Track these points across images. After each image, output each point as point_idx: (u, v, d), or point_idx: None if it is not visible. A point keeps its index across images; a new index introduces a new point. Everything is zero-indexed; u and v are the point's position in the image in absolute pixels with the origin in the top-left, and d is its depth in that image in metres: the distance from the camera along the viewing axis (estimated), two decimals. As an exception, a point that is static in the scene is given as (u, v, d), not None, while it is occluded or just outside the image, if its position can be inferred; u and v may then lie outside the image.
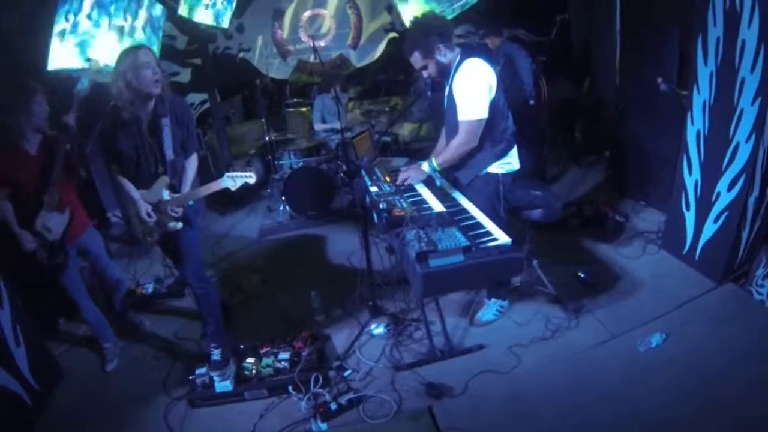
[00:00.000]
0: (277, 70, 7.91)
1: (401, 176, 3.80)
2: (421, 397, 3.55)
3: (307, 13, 7.72)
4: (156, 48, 5.95)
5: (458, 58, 3.53)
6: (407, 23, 6.92)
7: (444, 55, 3.50)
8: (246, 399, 3.72)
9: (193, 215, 3.87)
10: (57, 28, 5.09)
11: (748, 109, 3.81)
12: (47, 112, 3.80)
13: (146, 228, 3.78)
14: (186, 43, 7.39)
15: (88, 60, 5.18)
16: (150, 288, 5.24)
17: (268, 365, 3.80)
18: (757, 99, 3.71)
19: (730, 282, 4.22)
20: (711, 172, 4.24)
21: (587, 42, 7.97)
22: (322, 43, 7.81)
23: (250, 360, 3.84)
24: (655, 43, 5.51)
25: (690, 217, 4.54)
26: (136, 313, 4.83)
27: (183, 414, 3.71)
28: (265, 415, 3.57)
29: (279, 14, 7.69)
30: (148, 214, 3.67)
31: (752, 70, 3.71)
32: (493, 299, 4.23)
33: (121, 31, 5.51)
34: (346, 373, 3.82)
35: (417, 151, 5.79)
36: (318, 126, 7.32)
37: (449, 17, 7.10)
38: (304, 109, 8.20)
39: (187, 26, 7.01)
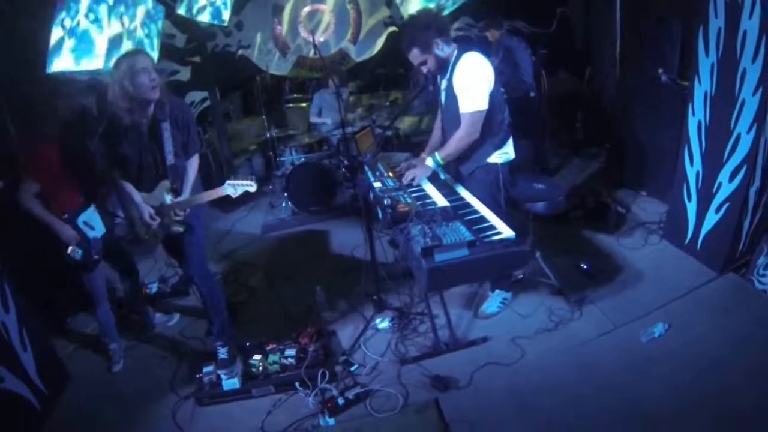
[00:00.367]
0: (277, 66, 7.88)
1: (407, 175, 3.81)
2: (427, 390, 3.57)
3: (307, 9, 7.69)
4: (155, 47, 5.96)
5: (455, 53, 3.58)
6: (406, 17, 6.95)
7: (442, 50, 3.55)
8: (253, 396, 3.73)
9: (197, 215, 3.90)
10: (56, 31, 5.08)
11: (749, 99, 3.82)
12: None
13: (149, 230, 3.81)
14: (185, 42, 7.37)
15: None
16: (154, 288, 5.26)
17: (274, 362, 3.81)
18: (759, 90, 3.72)
19: (731, 272, 4.24)
20: (712, 162, 4.25)
21: (587, 34, 7.96)
22: (321, 39, 7.79)
23: (257, 357, 3.86)
24: (655, 34, 5.52)
25: (691, 208, 4.56)
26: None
27: (191, 412, 3.72)
28: (273, 412, 3.58)
29: (278, 10, 7.67)
30: (152, 217, 3.69)
31: (753, 60, 3.72)
32: (496, 291, 4.26)
33: (120, 31, 5.51)
34: (352, 368, 3.84)
35: (417, 145, 5.79)
36: (313, 119, 7.33)
37: (450, 10, 7.14)
38: (304, 104, 8.20)
39: (185, 24, 7.01)
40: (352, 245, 5.64)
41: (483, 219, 3.22)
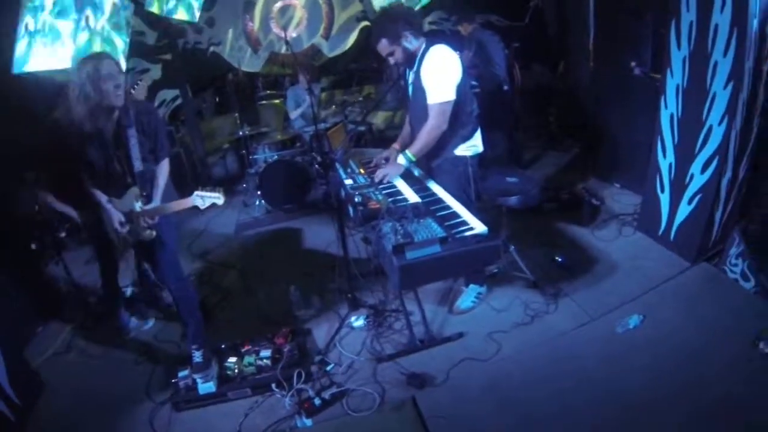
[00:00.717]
0: (249, 62, 7.82)
1: (379, 174, 3.77)
2: (403, 387, 3.56)
3: (278, 4, 7.63)
4: (124, 44, 5.87)
5: (423, 46, 3.61)
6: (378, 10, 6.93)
7: (410, 42, 3.58)
8: (230, 399, 3.70)
9: (167, 219, 3.84)
10: (23, 29, 5.00)
11: (720, 92, 3.85)
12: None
13: (119, 236, 3.75)
14: (155, 39, 7.28)
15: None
16: (128, 291, 5.16)
17: (250, 364, 3.77)
18: (730, 83, 3.76)
19: (704, 262, 4.29)
20: (685, 154, 4.29)
21: (561, 27, 7.98)
22: (293, 34, 7.73)
23: (232, 359, 3.81)
24: (628, 27, 5.54)
25: (665, 199, 4.59)
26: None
27: (168, 418, 3.67)
28: (250, 414, 3.55)
29: (250, 6, 7.60)
30: (121, 223, 3.64)
31: (725, 54, 3.76)
32: (471, 286, 4.25)
33: (86, 28, 5.42)
34: (328, 368, 3.82)
35: (391, 139, 5.77)
36: (293, 114, 7.27)
37: (423, 3, 7.13)
38: (277, 101, 8.14)
39: (155, 22, 6.92)
40: (326, 242, 5.61)
41: (455, 215, 3.20)
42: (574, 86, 7.45)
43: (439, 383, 3.56)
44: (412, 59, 3.66)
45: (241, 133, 6.85)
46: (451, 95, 3.55)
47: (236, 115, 7.07)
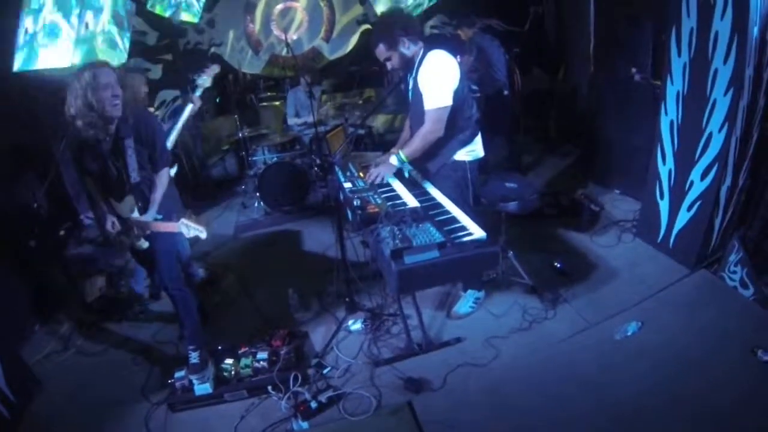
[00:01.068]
0: (249, 64, 7.84)
1: (372, 174, 3.79)
2: (400, 392, 3.55)
3: (279, 6, 7.65)
4: (126, 45, 5.87)
5: (422, 52, 3.62)
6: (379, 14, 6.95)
7: (407, 48, 3.58)
8: (226, 401, 3.69)
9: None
10: (24, 27, 4.99)
11: (720, 99, 3.85)
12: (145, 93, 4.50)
13: (113, 237, 3.77)
14: (156, 39, 7.29)
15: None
16: (125, 291, 5.17)
17: (246, 366, 3.77)
18: (730, 90, 3.75)
19: (703, 268, 4.27)
20: (684, 161, 4.29)
21: (561, 33, 7.99)
22: (294, 37, 7.74)
23: (229, 361, 3.81)
24: (629, 33, 5.55)
25: (664, 206, 4.59)
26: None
27: (164, 419, 3.66)
28: (246, 417, 3.54)
29: (251, 8, 7.62)
30: (113, 225, 3.66)
31: (725, 61, 3.75)
32: (469, 291, 4.24)
33: (87, 26, 5.40)
34: (325, 371, 3.81)
35: (391, 143, 5.78)
36: (291, 120, 7.27)
37: (423, 9, 7.13)
38: (277, 103, 8.15)
39: (156, 22, 6.92)
40: (324, 245, 5.61)
41: (454, 219, 3.19)
42: (574, 92, 7.46)
43: (436, 388, 3.55)
44: (409, 64, 3.67)
45: (240, 134, 6.85)
46: (447, 101, 3.55)
47: (236, 116, 7.07)
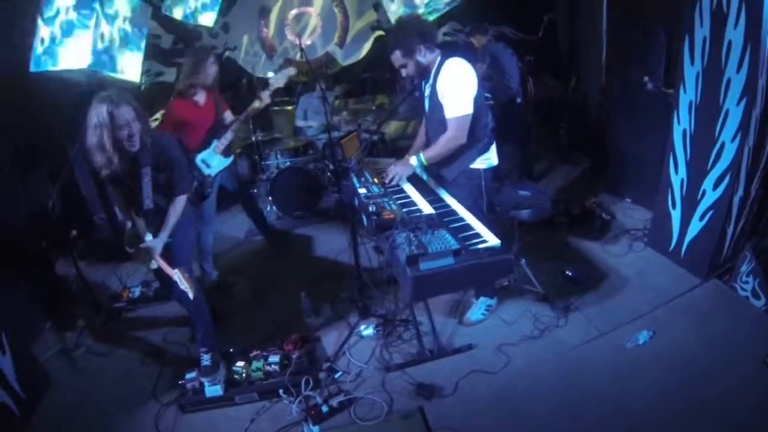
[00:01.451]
0: (263, 68, 7.86)
1: (390, 174, 3.80)
2: (411, 397, 3.57)
3: (294, 12, 7.69)
4: (142, 48, 5.90)
5: (439, 59, 3.61)
6: (393, 21, 6.96)
7: (424, 56, 3.58)
8: (236, 403, 3.71)
9: (183, 223, 3.82)
10: (40, 28, 5.04)
11: (733, 109, 3.85)
12: (216, 73, 4.83)
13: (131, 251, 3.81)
14: (171, 42, 7.34)
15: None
16: (137, 292, 5.18)
17: (258, 369, 3.79)
18: (743, 99, 3.75)
19: (715, 278, 4.26)
20: (697, 170, 4.28)
21: (573, 41, 7.99)
22: (308, 42, 7.78)
23: (240, 364, 3.83)
24: (641, 42, 5.53)
25: (676, 215, 4.58)
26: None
27: (173, 420, 3.69)
28: (256, 419, 3.56)
29: (265, 12, 7.66)
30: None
31: (738, 70, 3.75)
32: (481, 298, 4.25)
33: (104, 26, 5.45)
34: (336, 375, 3.83)
35: (404, 149, 5.79)
36: (300, 123, 7.29)
37: (437, 15, 7.14)
38: (289, 107, 8.17)
39: (171, 25, 6.97)
40: (336, 250, 5.63)
41: (468, 227, 3.20)
42: (586, 100, 7.46)
43: (447, 394, 3.56)
44: (425, 72, 3.67)
45: (253, 138, 6.87)
46: (469, 108, 3.56)
47: (249, 120, 7.11)
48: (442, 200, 3.65)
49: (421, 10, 7.04)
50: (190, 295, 3.55)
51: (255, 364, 3.82)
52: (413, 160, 3.78)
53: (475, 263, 2.85)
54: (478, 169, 3.78)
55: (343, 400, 3.57)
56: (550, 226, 5.41)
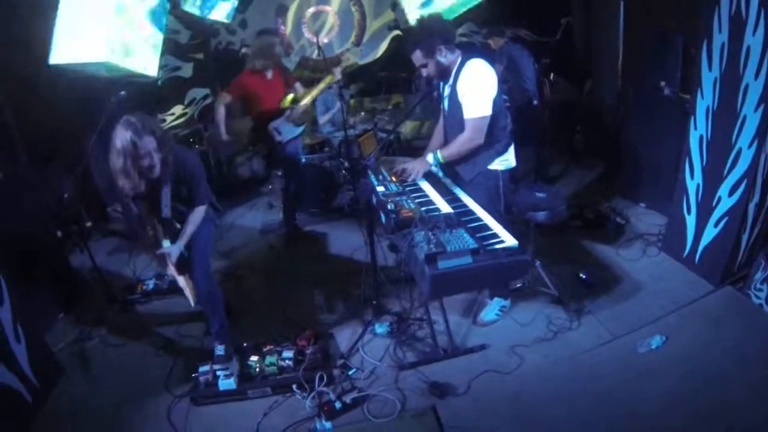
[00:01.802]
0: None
1: (407, 171, 3.82)
2: (424, 396, 3.58)
3: (311, 10, 7.72)
4: (160, 43, 5.92)
5: (459, 60, 3.62)
6: (411, 21, 6.97)
7: (444, 56, 3.59)
8: (249, 397, 3.73)
9: (206, 220, 3.93)
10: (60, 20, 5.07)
11: (751, 115, 3.84)
12: (281, 53, 5.59)
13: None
14: (188, 38, 7.38)
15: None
16: (151, 284, 5.21)
17: (272, 363, 3.80)
18: (761, 106, 3.74)
19: (729, 285, 4.26)
20: (713, 176, 4.27)
21: (588, 44, 7.98)
22: (325, 40, 7.80)
23: (254, 358, 3.85)
24: (658, 47, 5.53)
25: (691, 221, 4.57)
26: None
27: (186, 412, 3.71)
28: (269, 414, 3.58)
29: (282, 10, 7.69)
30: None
31: (756, 76, 3.74)
32: (495, 298, 4.27)
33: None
34: (350, 372, 3.84)
35: (419, 149, 5.81)
36: (322, 119, 7.31)
37: (453, 16, 7.14)
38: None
39: (189, 21, 7.00)
40: (351, 248, 5.65)
41: (486, 227, 3.21)
42: (601, 104, 7.45)
43: (460, 393, 3.58)
44: (445, 73, 3.68)
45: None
46: (488, 110, 3.57)
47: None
48: (459, 200, 3.65)
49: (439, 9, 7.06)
50: (191, 303, 3.74)
51: (269, 359, 3.83)
52: (430, 158, 3.80)
53: (492, 263, 2.86)
54: (496, 170, 3.79)
55: (357, 396, 3.58)
56: (565, 229, 5.41)
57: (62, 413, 3.84)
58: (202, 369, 3.76)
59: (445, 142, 3.95)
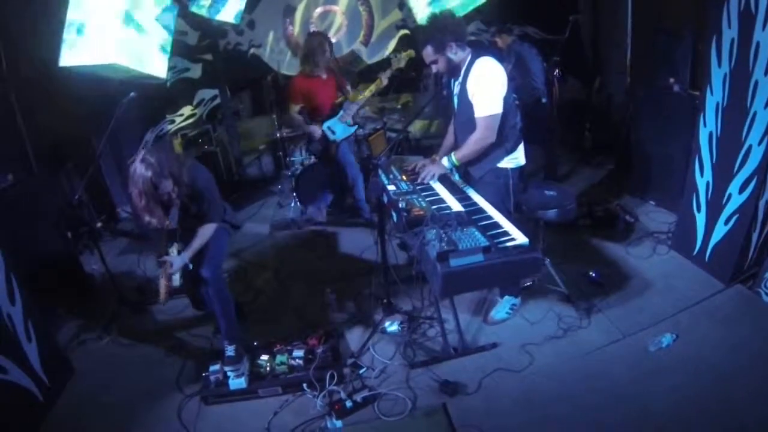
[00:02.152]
0: (288, 65, 7.90)
1: (422, 173, 3.85)
2: (435, 394, 3.58)
3: (319, 10, 7.73)
4: (168, 45, 5.95)
5: (469, 58, 3.64)
6: (418, 20, 6.98)
7: (455, 53, 3.61)
8: (260, 396, 3.74)
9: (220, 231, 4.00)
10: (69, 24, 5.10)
11: (761, 112, 3.82)
12: (330, 53, 5.70)
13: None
14: (197, 39, 7.40)
15: None
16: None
17: (282, 362, 3.82)
18: (771, 102, 3.72)
19: (739, 284, 4.24)
20: (723, 173, 4.25)
21: (596, 42, 7.96)
22: (333, 40, 7.79)
23: (264, 357, 3.87)
24: (667, 43, 5.52)
25: (701, 219, 4.56)
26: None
27: (196, 411, 3.73)
28: (280, 413, 3.59)
29: (290, 10, 7.70)
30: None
31: (766, 73, 3.72)
32: (506, 297, 4.27)
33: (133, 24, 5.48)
34: (360, 371, 3.85)
35: (428, 148, 5.82)
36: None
37: (460, 14, 7.14)
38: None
39: (198, 22, 7.03)
40: (361, 247, 5.64)
41: (497, 225, 3.21)
42: (610, 101, 7.43)
43: (471, 392, 3.58)
44: (455, 70, 3.70)
45: (278, 134, 6.92)
46: (498, 108, 3.58)
47: (273, 116, 7.16)
48: (470, 198, 3.67)
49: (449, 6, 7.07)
50: (161, 304, 3.88)
51: (279, 358, 3.84)
52: (445, 161, 3.82)
53: (504, 260, 2.87)
54: (506, 169, 3.80)
55: (367, 395, 3.59)
56: (574, 227, 5.41)
57: (73, 412, 3.87)
58: (212, 368, 3.77)
59: (455, 141, 3.96)
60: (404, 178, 3.90)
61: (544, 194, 4.30)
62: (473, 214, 3.34)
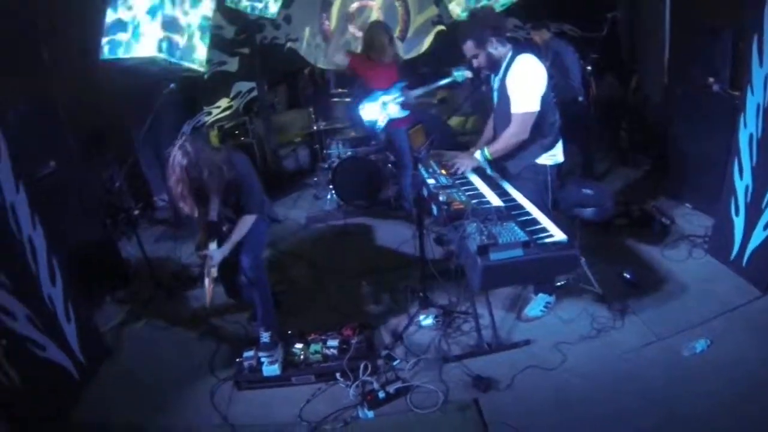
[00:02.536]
0: (325, 60, 7.95)
1: (457, 161, 3.89)
2: (467, 389, 3.60)
3: (355, 5, 7.74)
4: (206, 41, 6.01)
5: (510, 54, 3.65)
6: (454, 15, 6.99)
7: (495, 48, 3.62)
8: (293, 384, 3.78)
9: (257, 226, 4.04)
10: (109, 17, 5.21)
11: (804, 113, 3.75)
12: (389, 40, 5.81)
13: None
14: (234, 33, 7.47)
15: None
16: (197, 271, 5.31)
17: (316, 351, 3.86)
18: (813, 103, 3.65)
19: (776, 292, 4.17)
20: (763, 177, 4.17)
21: (633, 40, 7.88)
22: (368, 34, 7.83)
23: (299, 345, 3.91)
24: (706, 42, 5.44)
25: (739, 223, 4.47)
26: None
27: (229, 395, 3.79)
28: (312, 401, 3.63)
29: (327, 5, 7.72)
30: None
31: (809, 73, 3.66)
32: (540, 294, 4.26)
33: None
34: (394, 363, 3.88)
35: (464, 145, 5.82)
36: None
37: (500, 10, 7.12)
38: (348, 99, 8.25)
39: (234, 16, 7.10)
40: (398, 241, 5.67)
41: (535, 221, 3.23)
42: (647, 101, 7.35)
43: (503, 388, 3.59)
44: (496, 65, 3.71)
45: (315, 127, 6.97)
46: (535, 106, 3.59)
47: (310, 109, 7.21)
48: (508, 193, 3.68)
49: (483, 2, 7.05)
50: (207, 304, 3.86)
51: (313, 347, 3.89)
52: (477, 154, 3.84)
53: (543, 256, 2.89)
54: (545, 165, 3.81)
55: (400, 387, 3.61)
56: (610, 227, 5.37)
57: (107, 391, 3.97)
58: (246, 354, 3.83)
59: (494, 136, 3.97)
60: (443, 172, 3.93)
61: (582, 192, 4.28)
62: (512, 210, 3.37)
